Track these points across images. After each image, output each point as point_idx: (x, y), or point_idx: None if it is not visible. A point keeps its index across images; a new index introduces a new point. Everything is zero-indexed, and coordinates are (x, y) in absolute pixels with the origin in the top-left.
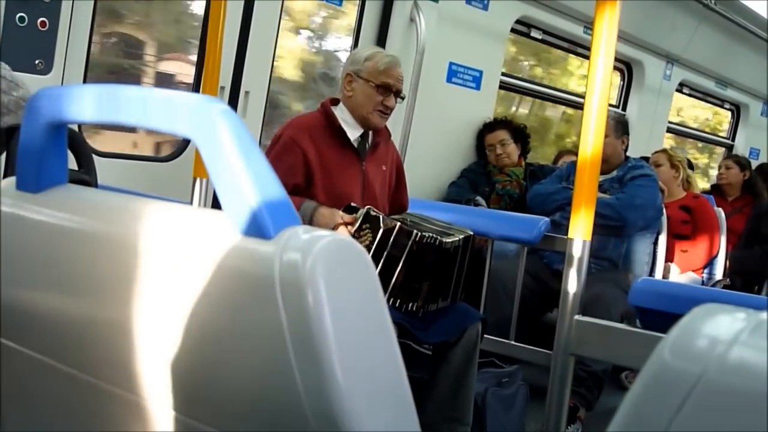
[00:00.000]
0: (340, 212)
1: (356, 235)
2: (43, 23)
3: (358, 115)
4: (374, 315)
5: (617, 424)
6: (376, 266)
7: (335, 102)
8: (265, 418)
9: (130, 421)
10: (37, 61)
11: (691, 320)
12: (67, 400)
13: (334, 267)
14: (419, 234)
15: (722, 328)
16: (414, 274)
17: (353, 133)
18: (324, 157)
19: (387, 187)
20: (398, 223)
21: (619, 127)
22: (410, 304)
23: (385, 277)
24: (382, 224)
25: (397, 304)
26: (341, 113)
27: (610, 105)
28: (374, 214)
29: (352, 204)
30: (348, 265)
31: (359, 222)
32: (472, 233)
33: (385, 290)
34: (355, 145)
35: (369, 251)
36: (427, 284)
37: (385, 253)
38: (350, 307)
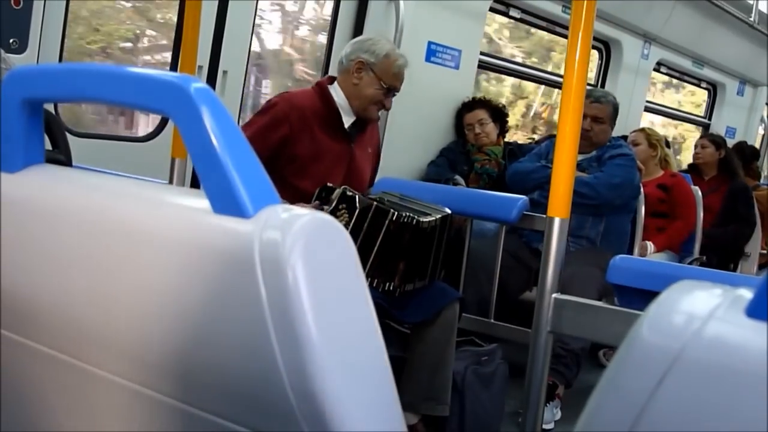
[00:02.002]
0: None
1: (333, 215)
2: (17, 1)
3: (356, 105)
4: (354, 293)
5: (595, 400)
6: None
7: (330, 81)
8: (245, 397)
9: (115, 405)
10: (11, 40)
11: (668, 296)
12: (54, 385)
13: (313, 245)
14: (395, 213)
15: (699, 303)
16: (390, 253)
17: (347, 119)
18: (315, 140)
19: (370, 169)
20: (374, 203)
21: (614, 114)
22: (387, 284)
23: (361, 256)
24: (358, 204)
25: (374, 284)
26: (336, 96)
27: (589, 84)
28: (350, 194)
29: (329, 184)
30: (328, 244)
31: (335, 202)
32: (449, 212)
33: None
34: (347, 129)
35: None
36: (404, 263)
37: (362, 233)
38: (330, 285)
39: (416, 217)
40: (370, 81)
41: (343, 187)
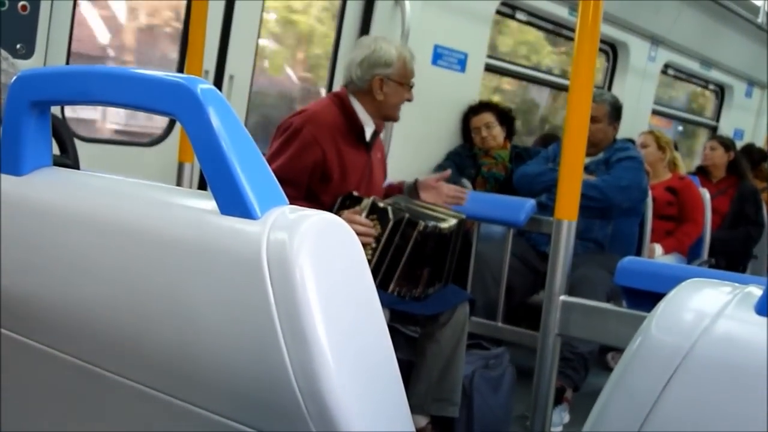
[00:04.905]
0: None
1: None
2: (23, 7)
3: (386, 114)
4: (362, 293)
5: (604, 400)
6: (384, 257)
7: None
8: (252, 397)
9: (121, 405)
10: (18, 46)
11: (676, 294)
12: (58, 385)
13: (321, 245)
14: (424, 224)
15: (708, 301)
16: (416, 261)
17: (368, 130)
18: (342, 157)
19: (382, 175)
20: (406, 214)
21: (612, 113)
22: (413, 291)
23: (391, 267)
24: (391, 216)
25: (402, 293)
26: (357, 110)
27: (596, 87)
28: (381, 205)
29: (354, 193)
30: (336, 244)
31: (365, 213)
32: (464, 217)
33: (390, 280)
34: (368, 140)
35: (379, 243)
36: (428, 270)
37: (394, 244)
38: (338, 286)
39: (438, 224)
40: (394, 90)
41: (372, 197)
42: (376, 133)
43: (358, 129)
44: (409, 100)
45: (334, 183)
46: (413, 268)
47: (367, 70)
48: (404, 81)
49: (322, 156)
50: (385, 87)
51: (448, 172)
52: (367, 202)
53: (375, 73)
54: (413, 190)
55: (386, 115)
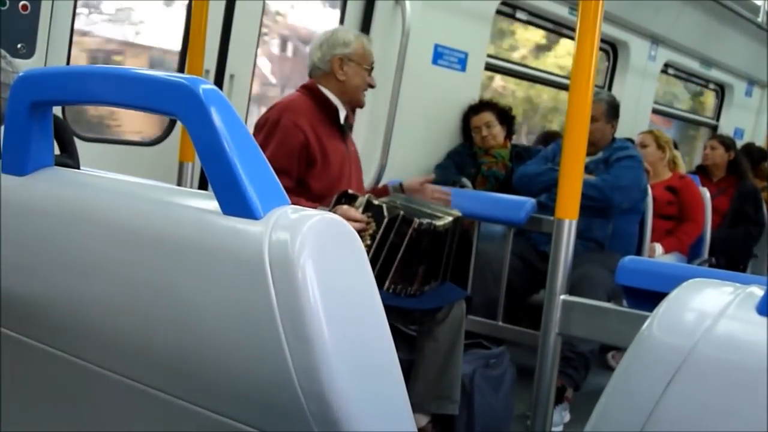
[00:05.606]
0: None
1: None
2: (24, 6)
3: (351, 97)
4: (363, 292)
5: (605, 401)
6: (380, 255)
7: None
8: (254, 397)
9: (123, 405)
10: (19, 45)
11: (678, 295)
12: (59, 384)
13: (323, 245)
14: (419, 221)
15: (710, 301)
16: (411, 259)
17: (341, 114)
18: (321, 141)
19: (359, 171)
20: (401, 212)
21: (610, 111)
22: (408, 289)
23: (386, 264)
24: (386, 213)
25: (397, 290)
26: (329, 95)
27: (597, 86)
28: (376, 203)
29: (349, 191)
30: (337, 244)
31: (360, 210)
32: (460, 214)
33: (385, 277)
34: (342, 124)
35: (374, 240)
36: (423, 268)
37: (389, 241)
38: (340, 285)
39: (433, 222)
40: (354, 70)
41: (367, 195)
42: (347, 120)
43: (333, 112)
44: (372, 85)
45: (318, 168)
46: (408, 266)
47: (327, 51)
48: (363, 62)
49: (304, 139)
50: (345, 66)
51: (432, 176)
52: (362, 199)
53: (334, 53)
54: (399, 192)
55: (351, 99)
